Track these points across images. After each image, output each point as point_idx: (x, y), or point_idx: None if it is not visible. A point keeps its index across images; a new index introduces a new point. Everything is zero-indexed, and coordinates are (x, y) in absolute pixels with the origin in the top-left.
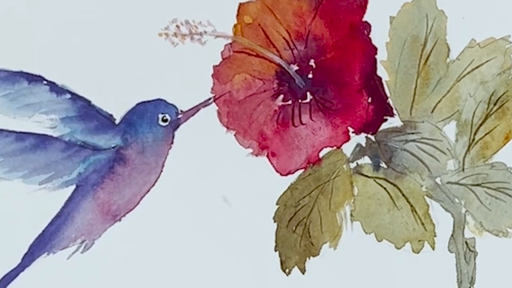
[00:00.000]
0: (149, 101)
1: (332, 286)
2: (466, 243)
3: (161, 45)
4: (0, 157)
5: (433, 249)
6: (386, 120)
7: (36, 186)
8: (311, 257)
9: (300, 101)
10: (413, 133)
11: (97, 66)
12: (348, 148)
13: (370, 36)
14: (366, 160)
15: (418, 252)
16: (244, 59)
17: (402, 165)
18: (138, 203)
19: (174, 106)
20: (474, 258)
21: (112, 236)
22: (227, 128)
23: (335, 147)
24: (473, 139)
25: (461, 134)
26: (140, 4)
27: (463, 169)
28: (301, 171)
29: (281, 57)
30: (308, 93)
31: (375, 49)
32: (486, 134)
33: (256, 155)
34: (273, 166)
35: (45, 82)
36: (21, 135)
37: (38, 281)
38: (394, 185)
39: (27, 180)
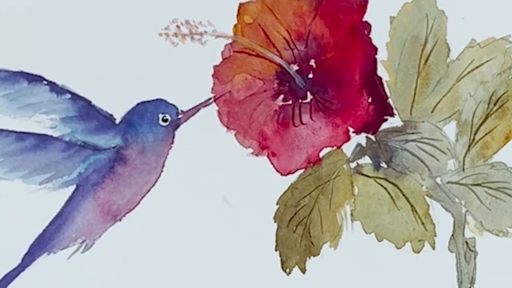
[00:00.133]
0: (149, 101)
1: (332, 286)
2: (467, 243)
3: (161, 45)
4: (0, 157)
5: (434, 249)
6: (386, 120)
7: (36, 186)
8: (312, 257)
9: (300, 101)
10: (413, 133)
11: (97, 66)
12: (348, 148)
13: (370, 36)
14: (366, 160)
15: (418, 252)
16: (245, 59)
17: (403, 165)
18: (138, 203)
19: (175, 106)
20: (475, 258)
21: (112, 236)
22: (228, 128)
23: (335, 147)
24: (473, 139)
25: (461, 134)
26: (140, 4)
27: (463, 169)
28: (301, 171)
29: (281, 57)
30: (308, 93)
31: (375, 49)
32: (486, 134)
33: (257, 155)
34: (274, 166)
35: (45, 82)
36: (21, 135)
37: (38, 281)
38: (395, 185)
39: (27, 180)
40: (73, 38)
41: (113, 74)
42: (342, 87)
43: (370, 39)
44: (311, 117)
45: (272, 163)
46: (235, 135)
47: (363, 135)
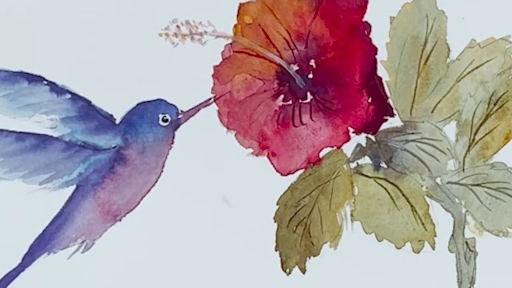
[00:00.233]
0: (149, 101)
1: (332, 286)
2: (466, 243)
3: (161, 45)
4: (0, 157)
5: (433, 249)
6: (386, 120)
7: (36, 186)
8: (312, 257)
9: (300, 101)
10: (413, 133)
11: (97, 66)
12: (348, 148)
13: (370, 36)
14: (366, 160)
15: (418, 252)
16: (245, 59)
17: (402, 165)
18: (138, 203)
19: (175, 106)
20: (474, 258)
21: (112, 236)
22: (228, 128)
23: (335, 147)
24: (473, 139)
25: (461, 134)
26: (140, 4)
27: (463, 169)
28: (301, 171)
29: (281, 57)
30: (308, 93)
31: (375, 49)
32: (486, 134)
33: (257, 155)
34: (274, 166)
35: (45, 82)
36: (21, 135)
37: (39, 281)
38: (395, 185)
39: (27, 180)
40: (73, 38)
41: (113, 74)
42: (342, 87)
43: (370, 39)
44: (311, 117)
45: (272, 163)
46: (235, 135)
47: (363, 135)
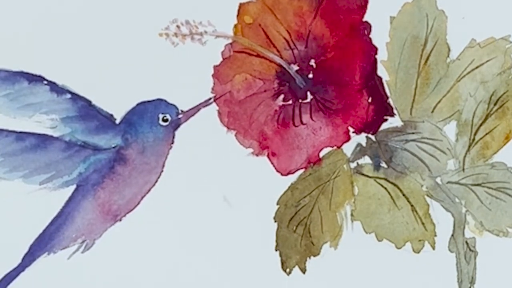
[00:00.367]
0: (149, 101)
1: (332, 286)
2: (467, 242)
3: (161, 45)
4: (0, 157)
5: (434, 248)
6: (386, 120)
7: (36, 186)
8: (312, 257)
9: (300, 101)
10: (413, 133)
11: (97, 66)
12: (348, 148)
13: (371, 36)
14: (366, 160)
15: (418, 252)
16: (245, 59)
17: (403, 165)
18: (138, 203)
19: (175, 106)
20: (475, 258)
21: (112, 236)
22: (228, 128)
23: (335, 147)
24: (473, 139)
25: (461, 134)
26: (140, 4)
27: (463, 169)
28: (301, 171)
29: (281, 57)
30: (308, 93)
31: (375, 49)
32: (486, 134)
33: (257, 155)
34: (274, 166)
35: (45, 82)
36: (21, 135)
37: (39, 281)
38: (395, 185)
39: (27, 180)
40: (73, 38)
41: (113, 74)
42: (342, 87)
43: (370, 39)
44: (311, 117)
45: (272, 163)
46: (235, 135)
47: (363, 135)
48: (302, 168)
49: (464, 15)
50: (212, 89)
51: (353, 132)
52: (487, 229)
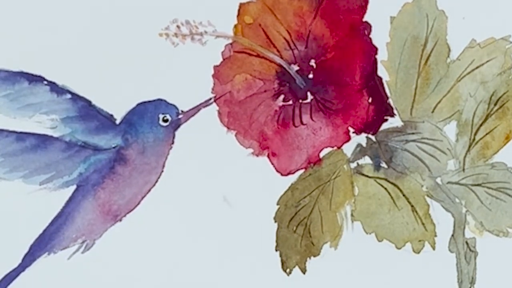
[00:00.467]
0: (149, 101)
1: (332, 286)
2: (467, 243)
3: (162, 45)
4: (0, 157)
5: (434, 249)
6: (386, 120)
7: (36, 186)
8: (312, 257)
9: (300, 101)
10: (413, 133)
11: (97, 66)
12: (348, 148)
13: (371, 36)
14: (366, 160)
15: (418, 252)
16: (245, 59)
17: (403, 165)
18: (138, 203)
19: (175, 106)
20: (475, 258)
21: (112, 236)
22: (228, 128)
23: (335, 147)
24: (474, 139)
25: (462, 134)
26: (140, 4)
27: (463, 169)
28: (301, 171)
29: (281, 57)
30: (308, 93)
31: (375, 49)
32: (486, 134)
33: (257, 155)
34: (274, 166)
35: (45, 82)
36: (21, 135)
37: (39, 281)
38: (395, 185)
39: (27, 180)
40: (74, 38)
41: (113, 74)
42: (342, 87)
43: (370, 39)
44: (311, 117)
45: (272, 163)
46: (235, 135)
47: (363, 135)
48: (302, 168)
49: (464, 15)
50: (212, 89)
51: (353, 132)
52: (487, 229)
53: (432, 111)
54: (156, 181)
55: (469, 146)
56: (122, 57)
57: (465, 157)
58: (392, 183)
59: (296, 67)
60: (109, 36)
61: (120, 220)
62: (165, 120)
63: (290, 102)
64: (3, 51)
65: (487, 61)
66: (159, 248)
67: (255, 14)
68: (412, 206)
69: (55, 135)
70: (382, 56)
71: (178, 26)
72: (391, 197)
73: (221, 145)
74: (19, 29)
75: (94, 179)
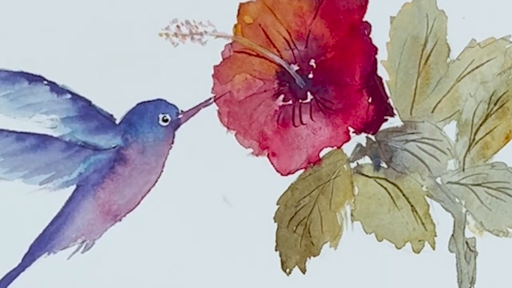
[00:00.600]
0: (149, 101)
1: (332, 286)
2: (467, 243)
3: (161, 45)
4: (0, 157)
5: (434, 249)
6: (386, 120)
7: (36, 186)
8: (312, 257)
9: (300, 101)
10: (413, 133)
11: (97, 66)
12: (348, 148)
13: (371, 36)
14: (366, 160)
15: (418, 252)
16: (245, 59)
17: (403, 165)
18: (138, 203)
19: (175, 106)
20: (475, 258)
21: (112, 236)
22: (228, 128)
23: (335, 147)
24: (474, 139)
25: (462, 134)
26: (140, 4)
27: (463, 169)
28: (301, 171)
29: (281, 57)
30: (308, 93)
31: (375, 49)
32: (486, 134)
33: (257, 155)
34: (274, 166)
35: (45, 82)
36: (21, 135)
37: (39, 281)
38: (395, 185)
39: (27, 180)
40: (73, 38)
41: (113, 74)
42: (342, 87)
43: (370, 39)
44: (311, 117)
45: (272, 163)
46: (235, 135)
47: (363, 135)
48: (302, 168)
49: (464, 15)
50: (212, 89)
51: (353, 132)
52: (487, 229)
53: (432, 111)
54: (156, 181)
55: (469, 146)
56: (122, 57)
57: (465, 157)
58: (392, 183)
59: (296, 67)
60: (109, 36)
61: (120, 220)
62: (165, 120)
63: (290, 102)
64: (3, 51)
65: (487, 61)
66: (159, 248)
67: (255, 14)
68: (412, 206)
69: (55, 135)
70: (382, 56)
71: (178, 26)
72: (391, 197)
73: (221, 145)
74: (19, 29)
75: (94, 179)
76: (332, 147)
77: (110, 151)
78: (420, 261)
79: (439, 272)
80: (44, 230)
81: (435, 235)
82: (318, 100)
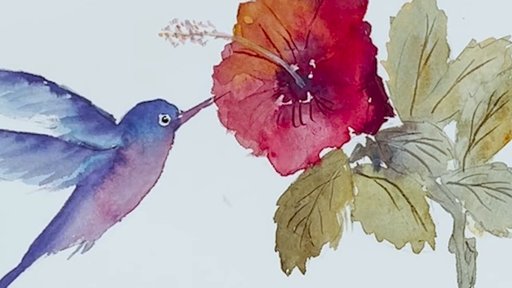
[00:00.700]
0: (149, 101)
1: (332, 286)
2: (467, 243)
3: (161, 45)
4: (0, 157)
5: (433, 249)
6: (386, 120)
7: (36, 186)
8: (312, 257)
9: (300, 101)
10: (413, 133)
11: (97, 66)
12: (348, 148)
13: (371, 36)
14: (366, 160)
15: (418, 252)
16: (245, 59)
17: (402, 165)
18: (138, 203)
19: (175, 106)
20: (475, 258)
21: (112, 236)
22: (228, 128)
23: (335, 147)
24: (473, 139)
25: (461, 134)
26: (140, 4)
27: (463, 169)
28: (301, 171)
29: (281, 57)
30: (308, 93)
31: (375, 49)
32: (486, 134)
33: (257, 155)
34: (274, 166)
35: (45, 82)
36: (21, 135)
37: (38, 281)
38: (395, 185)
39: (27, 180)
40: (73, 38)
41: (113, 74)
42: (342, 88)
43: (370, 39)
44: (311, 118)
45: (272, 164)
46: (235, 135)
47: (363, 135)
48: (302, 169)
49: (464, 15)
50: (212, 89)
51: (353, 132)
52: (487, 229)
53: (432, 111)
54: (156, 181)
55: (469, 146)
56: (122, 57)
57: (465, 157)
58: (392, 183)
59: (296, 67)
60: (109, 36)
61: (120, 220)
62: (165, 120)
63: (290, 102)
64: (3, 51)
65: (487, 61)
66: (158, 248)
67: (255, 14)
68: (412, 206)
69: (55, 135)
70: (382, 56)
71: (178, 26)
72: (391, 197)
73: (221, 145)
74: (19, 29)
75: (94, 179)
76: (332, 147)
77: (110, 151)
78: (420, 261)
79: (439, 272)
80: (44, 230)
81: (435, 236)
82: (318, 100)
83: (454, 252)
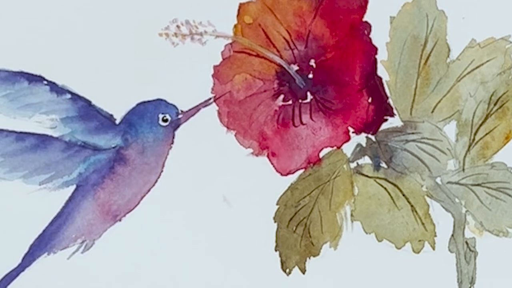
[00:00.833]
0: (149, 101)
1: (332, 286)
2: (467, 243)
3: (161, 45)
4: (0, 157)
5: (433, 249)
6: (386, 120)
7: (36, 186)
8: (312, 257)
9: (300, 101)
10: (413, 133)
11: (97, 66)
12: (348, 148)
13: (371, 36)
14: (366, 160)
15: (418, 252)
16: (245, 59)
17: (403, 165)
18: (138, 203)
19: (175, 106)
20: (475, 258)
21: (112, 236)
22: (228, 128)
23: (335, 147)
24: (474, 139)
25: (462, 134)
26: (140, 4)
27: (463, 169)
28: (301, 171)
29: (281, 57)
30: (308, 93)
31: (375, 49)
32: (486, 134)
33: (257, 155)
34: (274, 166)
35: (45, 82)
36: (21, 135)
37: (38, 281)
38: (395, 185)
39: (27, 180)
40: (73, 38)
41: (113, 74)
42: (342, 87)
43: (370, 39)
44: (311, 117)
45: (272, 163)
46: (235, 135)
47: (363, 135)
48: (302, 168)
49: (464, 15)
50: (212, 89)
51: (353, 132)
52: (487, 229)
53: (432, 111)
54: (156, 181)
55: (469, 146)
56: (122, 57)
57: (465, 157)
58: (392, 183)
59: (296, 67)
60: (109, 36)
61: (120, 220)
62: (165, 120)
63: (290, 102)
64: (3, 51)
65: (487, 61)
66: (158, 248)
67: (255, 14)
68: (412, 206)
69: (55, 135)
70: (382, 56)
71: (178, 26)
72: (391, 197)
73: (221, 145)
74: (19, 29)
75: (94, 179)
76: (332, 147)
77: (110, 151)
78: (420, 261)
79: (439, 272)
80: (44, 230)
81: (435, 235)
82: (318, 100)
83: (454, 252)
